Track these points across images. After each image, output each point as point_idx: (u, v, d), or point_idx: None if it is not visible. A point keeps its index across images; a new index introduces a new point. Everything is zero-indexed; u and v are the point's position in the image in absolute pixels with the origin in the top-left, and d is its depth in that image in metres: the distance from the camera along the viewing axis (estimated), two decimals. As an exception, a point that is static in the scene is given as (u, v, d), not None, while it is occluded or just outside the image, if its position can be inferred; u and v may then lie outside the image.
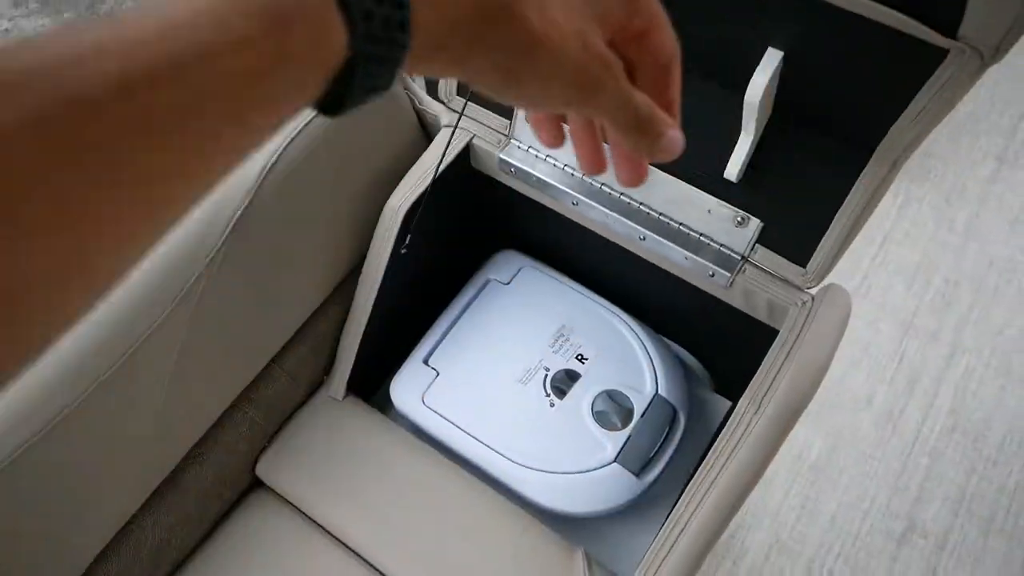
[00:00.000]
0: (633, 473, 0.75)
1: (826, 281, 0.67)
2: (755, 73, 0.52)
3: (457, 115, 0.74)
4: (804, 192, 0.62)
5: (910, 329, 1.32)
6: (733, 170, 0.62)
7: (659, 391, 0.79)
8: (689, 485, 0.63)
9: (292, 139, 0.66)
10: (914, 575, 1.11)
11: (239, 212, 0.63)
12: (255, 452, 0.78)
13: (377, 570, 0.74)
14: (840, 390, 1.26)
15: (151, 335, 0.59)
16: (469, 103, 0.76)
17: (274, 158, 0.65)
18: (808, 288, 0.67)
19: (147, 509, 0.69)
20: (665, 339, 0.87)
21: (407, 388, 0.81)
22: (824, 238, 0.63)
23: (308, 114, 0.68)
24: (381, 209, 0.74)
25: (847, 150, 0.58)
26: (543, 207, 0.79)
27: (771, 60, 0.52)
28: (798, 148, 0.60)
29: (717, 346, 0.85)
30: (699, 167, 0.66)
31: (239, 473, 0.77)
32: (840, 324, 0.63)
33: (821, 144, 0.59)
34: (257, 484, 0.80)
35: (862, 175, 0.58)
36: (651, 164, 0.68)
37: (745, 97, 0.53)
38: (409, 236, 0.75)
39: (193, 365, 0.64)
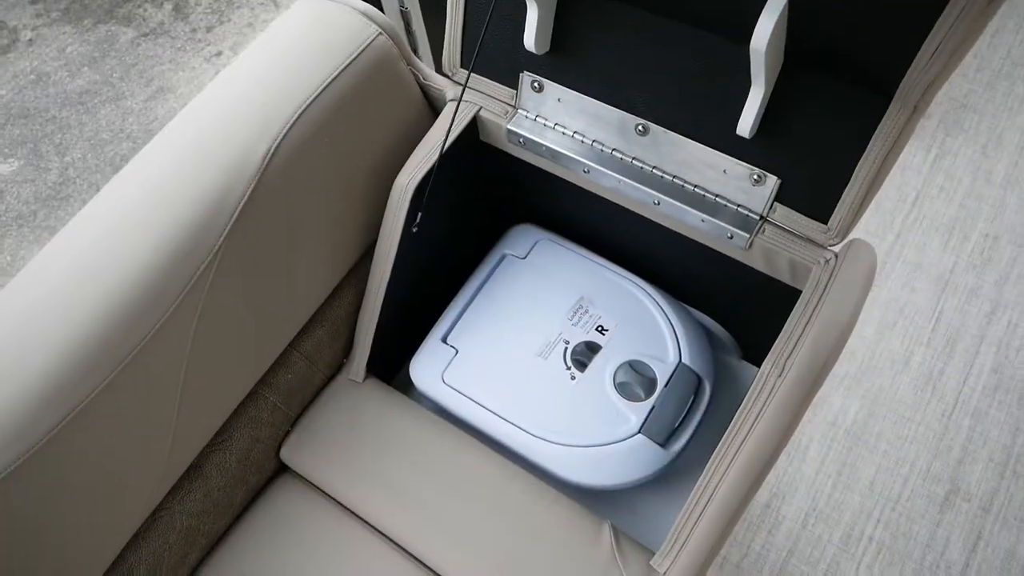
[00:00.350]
0: (659, 444, 0.74)
1: (856, 240, 0.64)
2: (760, 18, 0.50)
3: (462, 88, 0.73)
4: (822, 144, 0.59)
5: (947, 287, 1.27)
6: (745, 126, 0.59)
7: (683, 359, 0.77)
8: (714, 454, 0.62)
9: (294, 122, 0.66)
10: (958, 539, 1.07)
11: (244, 198, 0.63)
12: (278, 437, 0.78)
13: (404, 550, 0.74)
14: (875, 353, 1.22)
15: (163, 325, 0.59)
16: (473, 74, 0.75)
17: (277, 142, 0.64)
18: (831, 245, 0.64)
19: (173, 496, 0.69)
20: (688, 307, 0.85)
21: (426, 367, 0.80)
22: (846, 191, 0.60)
23: (308, 96, 0.67)
24: (390, 188, 0.73)
25: (864, 97, 0.55)
26: (555, 177, 0.77)
27: (776, 4, 0.49)
28: (813, 98, 0.57)
29: (741, 311, 0.82)
30: (711, 125, 0.64)
31: (264, 458, 0.77)
32: (865, 280, 0.61)
33: (837, 92, 0.56)
34: (282, 469, 0.80)
35: (882, 122, 0.55)
36: (661, 125, 0.66)
37: (751, 44, 0.51)
38: (420, 214, 0.74)
39: (208, 353, 0.64)
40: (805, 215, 0.64)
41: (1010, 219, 1.33)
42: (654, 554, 0.68)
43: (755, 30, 0.50)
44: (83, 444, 0.56)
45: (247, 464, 0.75)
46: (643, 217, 0.74)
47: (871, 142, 0.57)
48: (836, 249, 0.65)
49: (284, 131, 0.65)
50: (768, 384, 0.60)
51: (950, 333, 1.23)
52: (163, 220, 0.60)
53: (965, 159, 1.40)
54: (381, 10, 0.84)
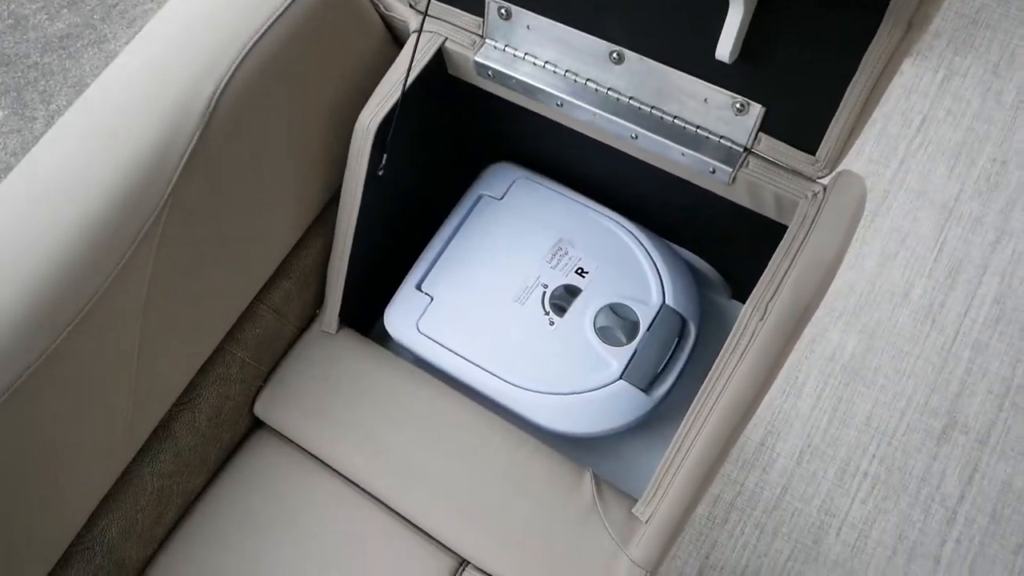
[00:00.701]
0: (641, 390, 0.71)
1: (844, 172, 0.60)
2: None
3: (422, 17, 0.67)
4: (808, 68, 0.54)
5: (952, 215, 1.23)
6: (725, 50, 0.54)
7: (666, 301, 0.74)
8: (695, 400, 0.59)
9: (243, 59, 0.61)
10: (953, 472, 1.06)
11: (192, 143, 0.58)
12: (251, 393, 0.76)
13: (383, 503, 0.73)
14: (875, 286, 1.19)
15: (111, 284, 0.55)
16: (437, 2, 0.69)
17: (224, 81, 0.60)
18: (819, 178, 0.60)
19: (142, 459, 0.68)
20: (674, 246, 0.82)
21: (401, 316, 0.77)
22: (834, 119, 0.56)
23: (256, 31, 0.62)
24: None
25: (854, 14, 0.50)
26: (529, 112, 0.73)
27: None
28: (798, 18, 0.52)
29: (729, 249, 0.78)
30: (690, 50, 0.59)
31: (236, 415, 0.75)
32: (853, 215, 0.57)
33: (824, 10, 0.51)
34: (258, 424, 0.79)
35: (873, 42, 0.50)
36: (637, 52, 0.61)
37: None
38: (385, 156, 0.70)
39: (164, 310, 0.61)
40: (791, 145, 0.60)
41: (1020, 142, 1.27)
42: (636, 501, 0.66)
43: None
44: (34, 408, 0.54)
45: (218, 422, 0.73)
46: (622, 152, 0.70)
47: (861, 65, 0.52)
48: (825, 182, 0.60)
49: (232, 69, 0.60)
50: (749, 328, 0.57)
51: (952, 263, 1.19)
52: (102, 174, 0.56)
53: (975, 79, 1.33)
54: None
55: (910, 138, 1.29)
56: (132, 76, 0.60)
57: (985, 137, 1.28)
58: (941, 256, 1.20)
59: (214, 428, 0.72)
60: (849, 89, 0.53)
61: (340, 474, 0.74)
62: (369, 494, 0.73)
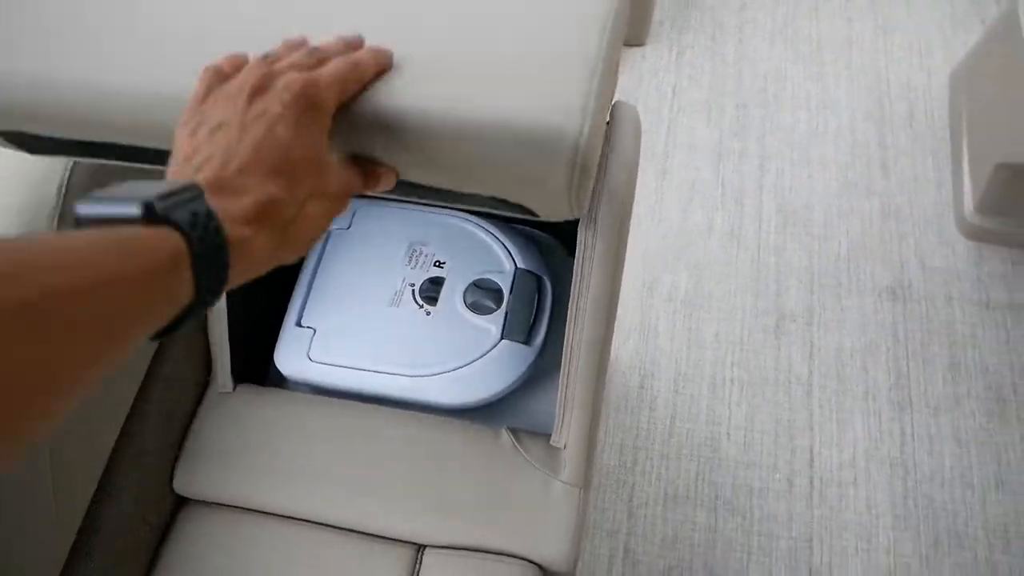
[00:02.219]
0: (522, 342, 0.80)
1: (618, 102, 0.73)
2: None
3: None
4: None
5: (722, 157, 1.45)
6: None
7: (519, 265, 0.84)
8: (567, 321, 0.69)
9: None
10: (797, 353, 1.24)
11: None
12: (168, 469, 0.76)
13: (329, 524, 0.75)
14: (684, 229, 1.37)
15: None
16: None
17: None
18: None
19: (75, 561, 0.66)
20: (509, 224, 0.92)
21: (291, 353, 0.81)
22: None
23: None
24: None
25: None
26: None
27: None
28: None
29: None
30: None
31: (158, 496, 0.75)
32: (634, 129, 0.70)
33: None
34: (182, 501, 0.78)
35: None
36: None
37: None
38: None
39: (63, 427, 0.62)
40: None
41: (748, 88, 1.54)
42: (550, 436, 0.74)
43: None
44: None
45: (143, 507, 0.73)
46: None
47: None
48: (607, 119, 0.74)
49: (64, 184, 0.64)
50: (588, 240, 0.68)
51: (735, 193, 1.41)
52: None
53: (701, 49, 1.60)
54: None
55: (669, 105, 1.52)
56: None
57: (723, 91, 1.54)
58: (725, 190, 1.41)
59: (141, 512, 0.72)
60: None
61: (279, 515, 0.76)
62: (313, 522, 0.75)
